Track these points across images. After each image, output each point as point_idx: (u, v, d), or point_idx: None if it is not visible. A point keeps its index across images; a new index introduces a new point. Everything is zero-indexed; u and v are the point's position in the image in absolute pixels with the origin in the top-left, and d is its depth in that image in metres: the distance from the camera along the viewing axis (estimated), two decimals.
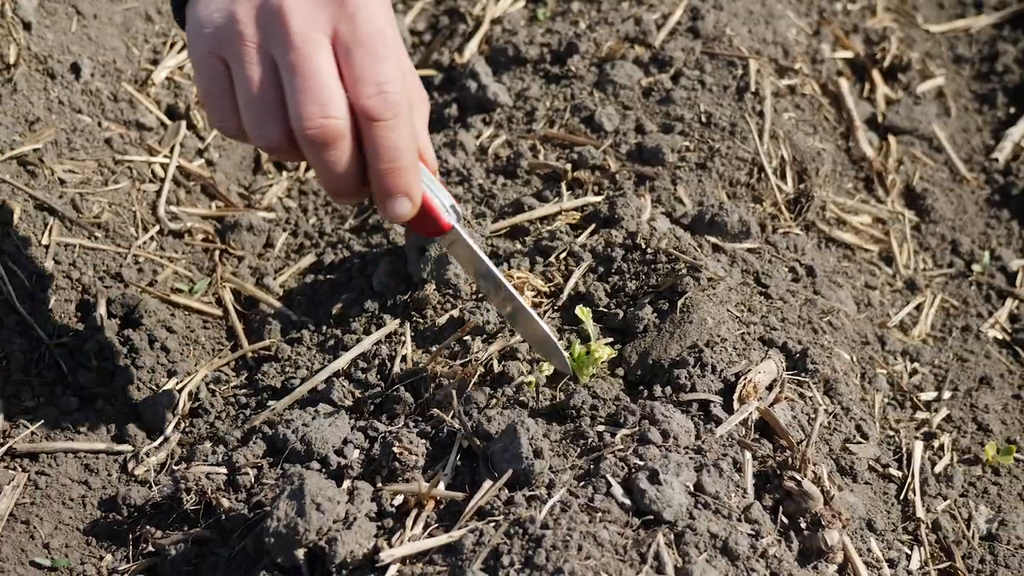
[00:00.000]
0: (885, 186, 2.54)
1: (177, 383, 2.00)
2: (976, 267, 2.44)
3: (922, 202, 2.55)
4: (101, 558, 1.74)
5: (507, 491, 1.58)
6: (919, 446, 1.95)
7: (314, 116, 1.42)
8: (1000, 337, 2.31)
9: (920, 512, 1.85)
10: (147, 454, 1.88)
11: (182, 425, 1.94)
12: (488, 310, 1.90)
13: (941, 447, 2.02)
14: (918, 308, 2.33)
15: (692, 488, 1.59)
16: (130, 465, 1.87)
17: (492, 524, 1.52)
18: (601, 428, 1.69)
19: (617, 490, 1.56)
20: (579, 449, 1.66)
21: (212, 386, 2.00)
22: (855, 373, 2.04)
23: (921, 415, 2.08)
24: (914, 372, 2.18)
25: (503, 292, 1.71)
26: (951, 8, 3.20)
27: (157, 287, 2.13)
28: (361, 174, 1.49)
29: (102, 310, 2.04)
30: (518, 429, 1.61)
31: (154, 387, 1.99)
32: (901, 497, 1.88)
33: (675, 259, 1.93)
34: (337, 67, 1.45)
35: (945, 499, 1.92)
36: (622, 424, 1.69)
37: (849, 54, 2.84)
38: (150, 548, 1.72)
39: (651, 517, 1.53)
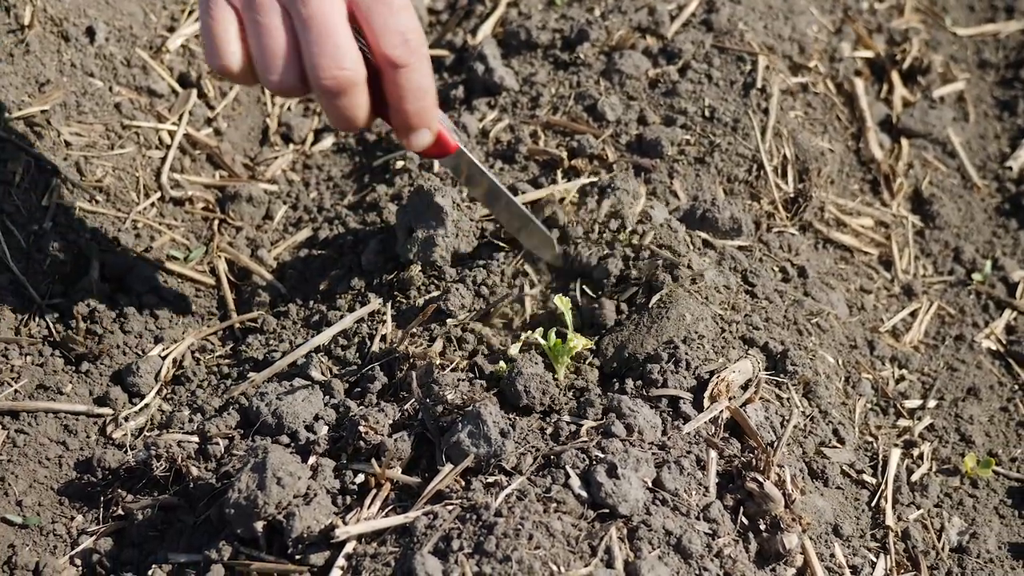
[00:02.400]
0: (892, 189, 2.52)
1: (163, 350, 2.02)
2: (977, 276, 2.41)
3: (928, 207, 2.52)
4: (72, 518, 1.77)
5: (467, 476, 1.59)
6: (896, 453, 1.94)
7: (329, 68, 1.54)
8: (994, 348, 2.28)
9: (890, 520, 1.84)
10: (126, 418, 1.91)
11: (164, 392, 1.96)
12: (463, 295, 1.91)
13: (920, 456, 2.00)
14: (913, 314, 2.31)
15: (651, 484, 1.59)
16: (109, 428, 1.90)
17: (447, 508, 1.53)
18: (567, 419, 1.70)
19: (575, 482, 1.56)
20: (543, 439, 1.66)
21: (197, 354, 2.02)
22: (839, 377, 2.03)
23: (903, 423, 2.06)
24: (901, 379, 2.16)
25: (505, 201, 1.87)
26: (982, 12, 3.15)
27: (152, 254, 2.15)
28: (370, 114, 1.62)
29: (95, 274, 2.07)
30: (482, 412, 1.62)
31: (140, 352, 2.01)
32: (873, 504, 1.87)
33: (659, 254, 1.93)
34: (351, 17, 1.56)
35: (919, 508, 1.90)
36: (588, 416, 1.69)
37: (870, 54, 2.80)
38: (120, 511, 1.75)
39: (606, 511, 1.54)
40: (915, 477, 1.95)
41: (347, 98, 1.57)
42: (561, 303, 1.85)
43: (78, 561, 1.70)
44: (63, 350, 1.99)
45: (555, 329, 1.83)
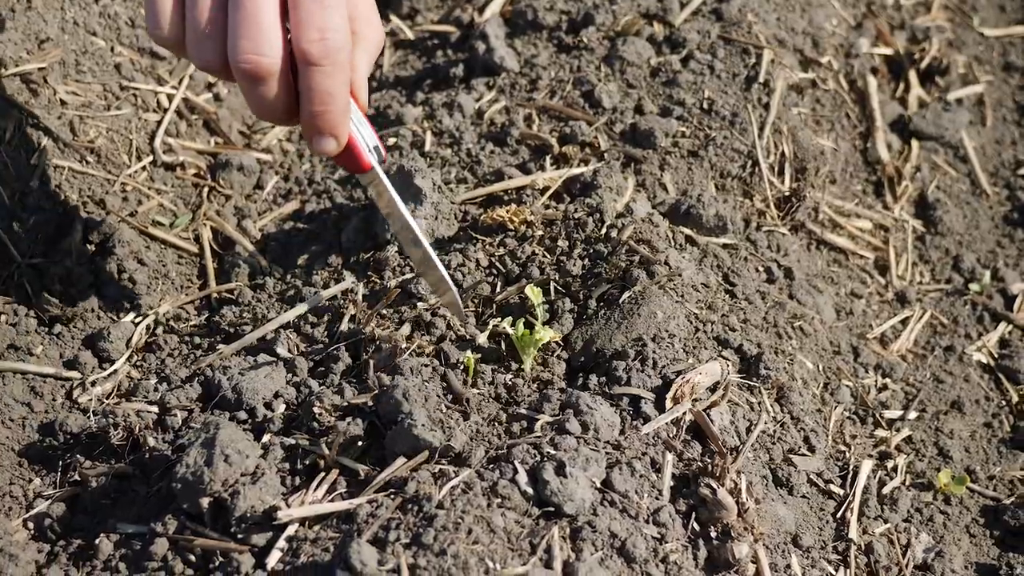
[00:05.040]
0: (895, 192, 2.47)
1: (137, 316, 2.01)
2: (974, 286, 2.36)
3: (932, 212, 2.47)
4: (30, 481, 1.77)
5: (416, 465, 1.58)
6: (867, 464, 1.90)
7: (246, 51, 1.51)
8: (985, 361, 2.23)
9: (853, 532, 1.80)
10: (93, 383, 1.90)
11: (134, 358, 1.96)
12: None
13: (894, 468, 1.96)
14: (904, 322, 2.26)
15: (600, 484, 1.56)
16: (75, 393, 1.89)
17: (390, 497, 1.52)
18: (525, 412, 1.67)
19: (522, 477, 1.54)
20: (498, 432, 1.64)
21: (171, 323, 2.02)
22: (817, 383, 1.99)
23: (881, 433, 2.02)
24: (883, 388, 2.11)
25: (412, 236, 1.77)
26: (1013, 12, 3.08)
27: (138, 218, 2.14)
28: (288, 108, 1.59)
29: (78, 235, 2.06)
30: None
31: (114, 317, 2.01)
32: (838, 515, 1.83)
33: (636, 249, 1.90)
34: (285, 9, 1.54)
35: (886, 522, 1.86)
36: (544, 411, 1.67)
37: (888, 51, 2.74)
38: (76, 477, 1.75)
39: (552, 509, 1.51)
40: (886, 490, 1.91)
41: (263, 86, 1.54)
42: (532, 293, 1.83)
43: (31, 525, 1.70)
44: (38, 311, 1.99)
45: (524, 319, 1.81)
